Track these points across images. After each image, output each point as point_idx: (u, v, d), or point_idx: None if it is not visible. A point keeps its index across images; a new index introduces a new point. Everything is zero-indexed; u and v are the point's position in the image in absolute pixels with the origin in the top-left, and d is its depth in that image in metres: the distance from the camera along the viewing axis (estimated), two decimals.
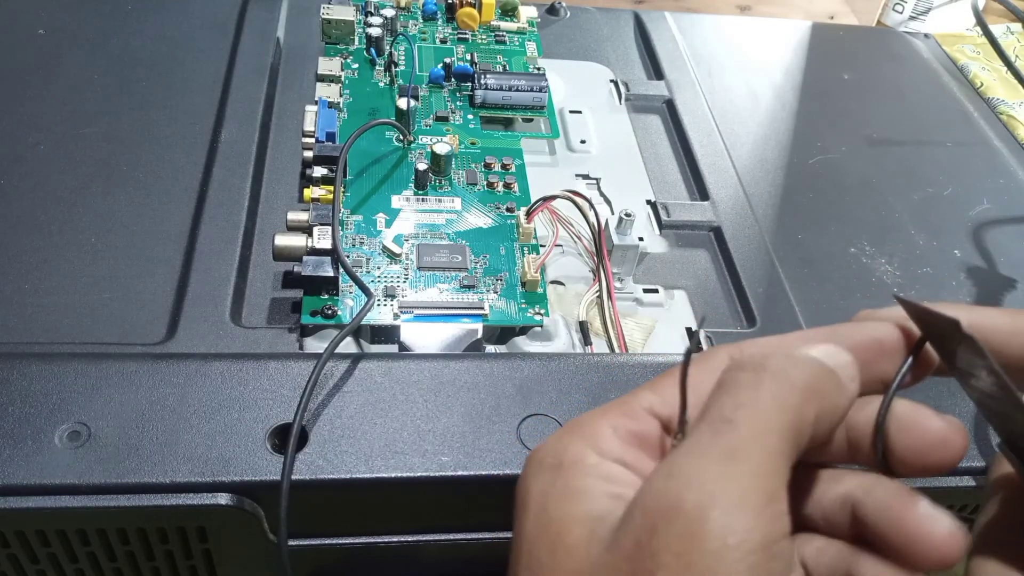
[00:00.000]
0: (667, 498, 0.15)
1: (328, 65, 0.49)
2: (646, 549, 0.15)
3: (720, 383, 0.17)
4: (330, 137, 0.43)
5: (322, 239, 0.37)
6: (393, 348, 0.37)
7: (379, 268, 0.39)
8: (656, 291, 0.42)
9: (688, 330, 0.40)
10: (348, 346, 0.37)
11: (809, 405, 0.17)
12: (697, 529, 0.14)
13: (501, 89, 0.48)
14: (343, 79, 0.49)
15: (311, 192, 0.40)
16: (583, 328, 0.39)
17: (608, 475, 0.18)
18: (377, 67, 0.51)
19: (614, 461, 0.18)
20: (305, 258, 0.37)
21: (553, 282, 0.42)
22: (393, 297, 0.38)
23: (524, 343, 0.39)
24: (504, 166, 0.46)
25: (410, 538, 0.32)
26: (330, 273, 0.36)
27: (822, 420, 0.17)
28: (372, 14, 0.52)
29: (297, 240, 0.37)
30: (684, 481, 0.15)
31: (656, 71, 0.57)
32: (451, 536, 0.33)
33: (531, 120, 0.50)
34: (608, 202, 0.47)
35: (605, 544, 0.16)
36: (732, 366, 0.18)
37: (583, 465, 0.18)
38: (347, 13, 0.51)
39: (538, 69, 0.51)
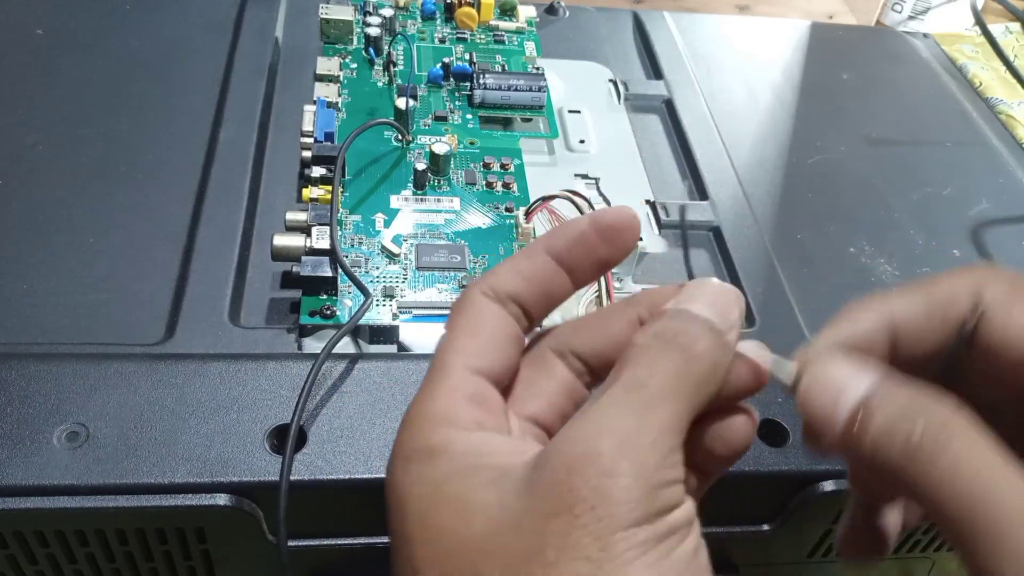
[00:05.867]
0: (586, 443, 0.17)
1: (327, 65, 0.49)
2: (564, 485, 0.17)
3: (634, 350, 0.19)
4: (328, 137, 0.43)
5: (320, 239, 0.37)
6: (392, 348, 0.37)
7: (378, 268, 0.39)
8: None
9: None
10: (347, 346, 0.37)
11: (710, 375, 0.19)
12: (613, 467, 0.17)
13: (500, 89, 0.48)
14: (342, 79, 0.49)
15: (309, 192, 0.40)
16: None
17: (480, 448, 0.19)
18: (376, 67, 0.50)
19: (477, 431, 0.20)
20: (304, 258, 0.37)
21: None
22: (392, 297, 0.38)
23: None
24: (503, 166, 0.46)
25: None
26: (328, 273, 0.36)
27: (716, 381, 0.20)
28: (371, 14, 0.52)
29: (296, 240, 0.37)
30: (604, 428, 0.17)
31: (655, 71, 0.57)
32: None
33: (530, 120, 0.50)
34: (607, 202, 0.47)
35: (516, 492, 0.18)
36: (643, 334, 0.20)
37: (460, 441, 0.19)
38: (346, 13, 0.51)
39: (537, 69, 0.51)
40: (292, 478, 0.29)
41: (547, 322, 0.23)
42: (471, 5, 0.53)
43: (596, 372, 0.22)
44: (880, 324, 0.21)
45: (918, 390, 0.19)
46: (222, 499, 0.29)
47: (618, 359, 0.20)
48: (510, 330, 0.22)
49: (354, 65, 0.50)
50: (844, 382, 0.19)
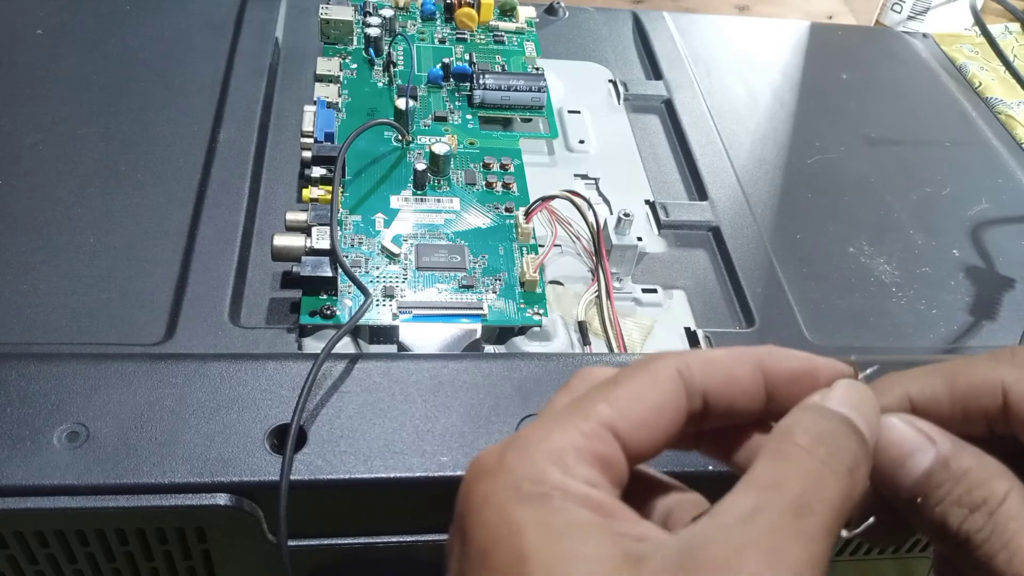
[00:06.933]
0: (751, 567, 0.16)
1: (327, 65, 0.49)
2: None
3: (796, 452, 0.18)
4: (328, 137, 0.43)
5: (320, 239, 0.37)
6: (392, 348, 0.37)
7: (378, 268, 0.39)
8: (655, 291, 0.42)
9: (687, 330, 0.40)
10: (347, 346, 0.37)
11: (863, 483, 0.18)
12: None
13: (500, 89, 0.48)
14: (342, 79, 0.49)
15: (310, 192, 0.40)
16: (582, 328, 0.39)
17: (600, 507, 0.18)
18: (376, 67, 0.51)
19: (591, 488, 0.18)
20: (304, 258, 0.37)
21: (552, 282, 0.42)
22: (392, 297, 0.38)
23: (523, 343, 0.39)
24: (503, 166, 0.46)
25: (410, 538, 0.32)
26: (328, 273, 0.36)
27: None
28: (371, 14, 0.52)
29: (296, 240, 0.37)
30: (770, 557, 0.16)
31: (655, 71, 0.57)
32: None
33: (530, 120, 0.50)
34: (607, 202, 0.47)
35: None
36: (802, 432, 0.18)
37: (573, 495, 0.18)
38: (346, 13, 0.51)
39: (537, 69, 0.51)
40: (292, 478, 0.29)
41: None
42: (471, 5, 0.53)
43: (708, 412, 0.20)
44: (898, 403, 0.20)
45: (984, 469, 0.19)
46: (222, 499, 0.29)
47: (771, 448, 0.18)
48: (675, 424, 0.20)
49: (354, 65, 0.50)
50: (910, 449, 0.19)
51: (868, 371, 0.21)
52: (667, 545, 0.17)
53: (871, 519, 0.20)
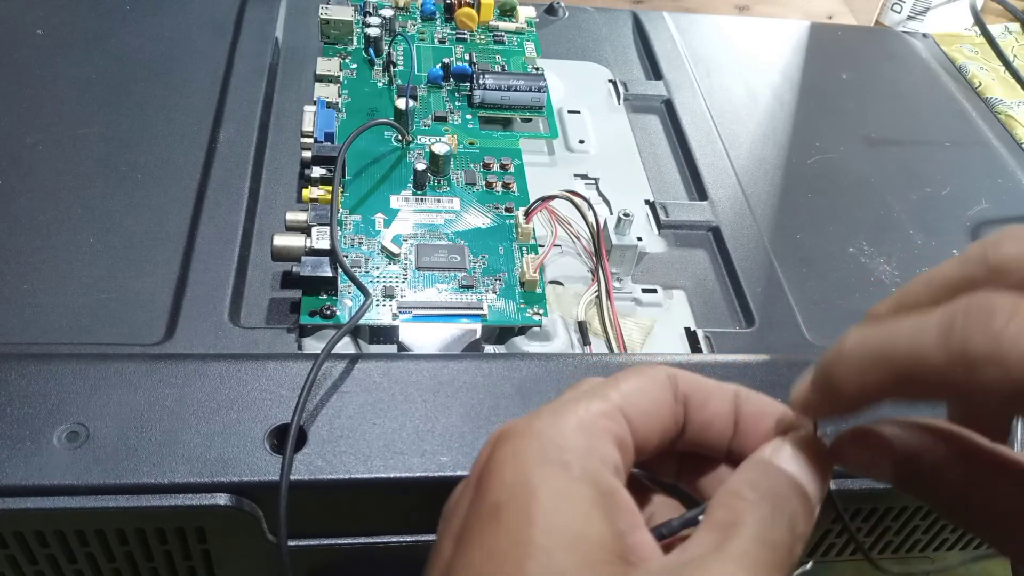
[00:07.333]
0: None
1: (326, 65, 0.49)
2: None
3: (748, 505, 0.19)
4: (328, 137, 0.43)
5: (320, 239, 0.37)
6: (392, 348, 0.37)
7: (378, 268, 0.39)
8: (655, 291, 0.42)
9: (687, 330, 0.41)
10: (347, 346, 0.37)
11: (805, 534, 0.20)
12: None
13: (500, 89, 0.48)
14: (341, 79, 0.49)
15: (310, 192, 0.40)
16: (582, 328, 0.39)
17: (611, 495, 0.19)
18: (376, 67, 0.51)
19: (612, 471, 0.20)
20: (304, 258, 0.37)
21: (552, 282, 0.42)
22: (392, 297, 0.38)
23: (523, 343, 0.39)
24: (503, 166, 0.46)
25: (409, 538, 0.32)
26: (328, 273, 0.36)
27: None
28: (370, 14, 0.52)
29: (296, 240, 0.37)
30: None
31: (654, 71, 0.57)
32: None
33: (530, 120, 0.50)
34: (607, 202, 0.47)
35: None
36: (751, 488, 0.20)
37: (590, 472, 0.19)
38: (345, 13, 0.51)
39: (537, 69, 0.51)
40: (292, 478, 0.29)
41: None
42: (471, 5, 0.53)
43: (688, 425, 0.22)
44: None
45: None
46: (222, 499, 0.29)
47: (723, 502, 0.19)
48: (670, 421, 0.21)
49: (354, 65, 0.50)
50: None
51: (828, 429, 0.21)
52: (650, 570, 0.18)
53: (809, 563, 0.21)
